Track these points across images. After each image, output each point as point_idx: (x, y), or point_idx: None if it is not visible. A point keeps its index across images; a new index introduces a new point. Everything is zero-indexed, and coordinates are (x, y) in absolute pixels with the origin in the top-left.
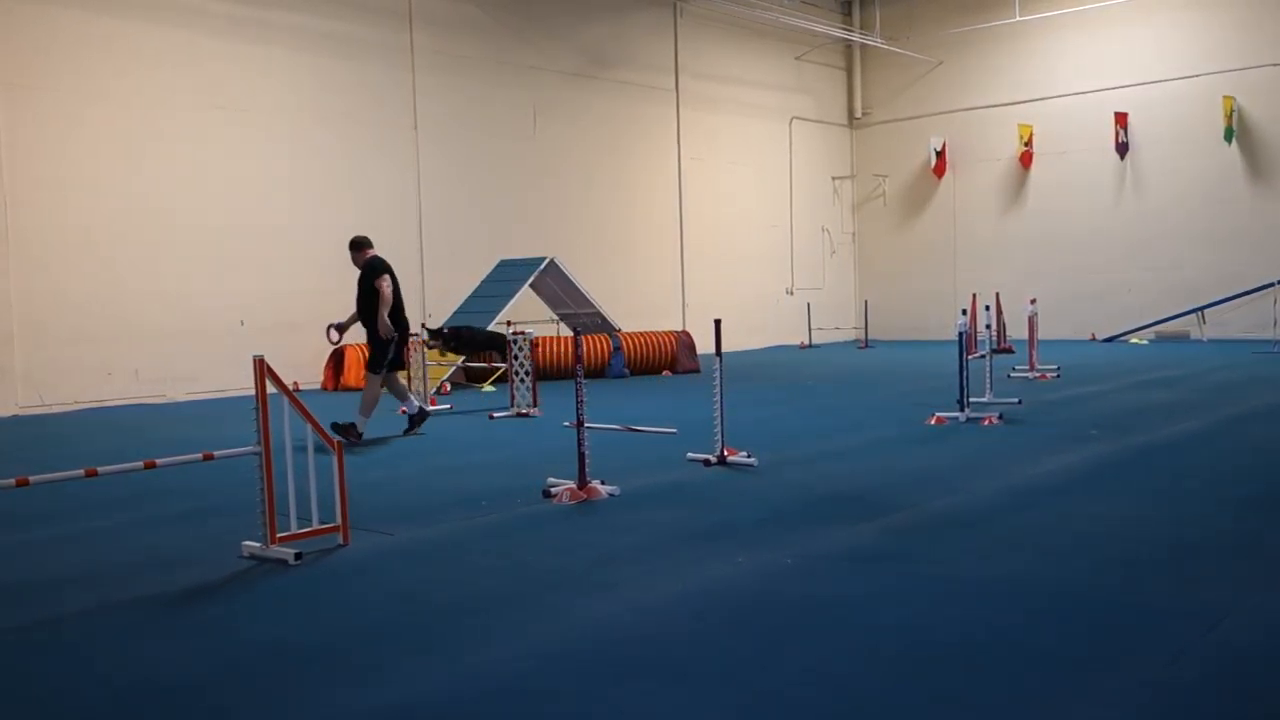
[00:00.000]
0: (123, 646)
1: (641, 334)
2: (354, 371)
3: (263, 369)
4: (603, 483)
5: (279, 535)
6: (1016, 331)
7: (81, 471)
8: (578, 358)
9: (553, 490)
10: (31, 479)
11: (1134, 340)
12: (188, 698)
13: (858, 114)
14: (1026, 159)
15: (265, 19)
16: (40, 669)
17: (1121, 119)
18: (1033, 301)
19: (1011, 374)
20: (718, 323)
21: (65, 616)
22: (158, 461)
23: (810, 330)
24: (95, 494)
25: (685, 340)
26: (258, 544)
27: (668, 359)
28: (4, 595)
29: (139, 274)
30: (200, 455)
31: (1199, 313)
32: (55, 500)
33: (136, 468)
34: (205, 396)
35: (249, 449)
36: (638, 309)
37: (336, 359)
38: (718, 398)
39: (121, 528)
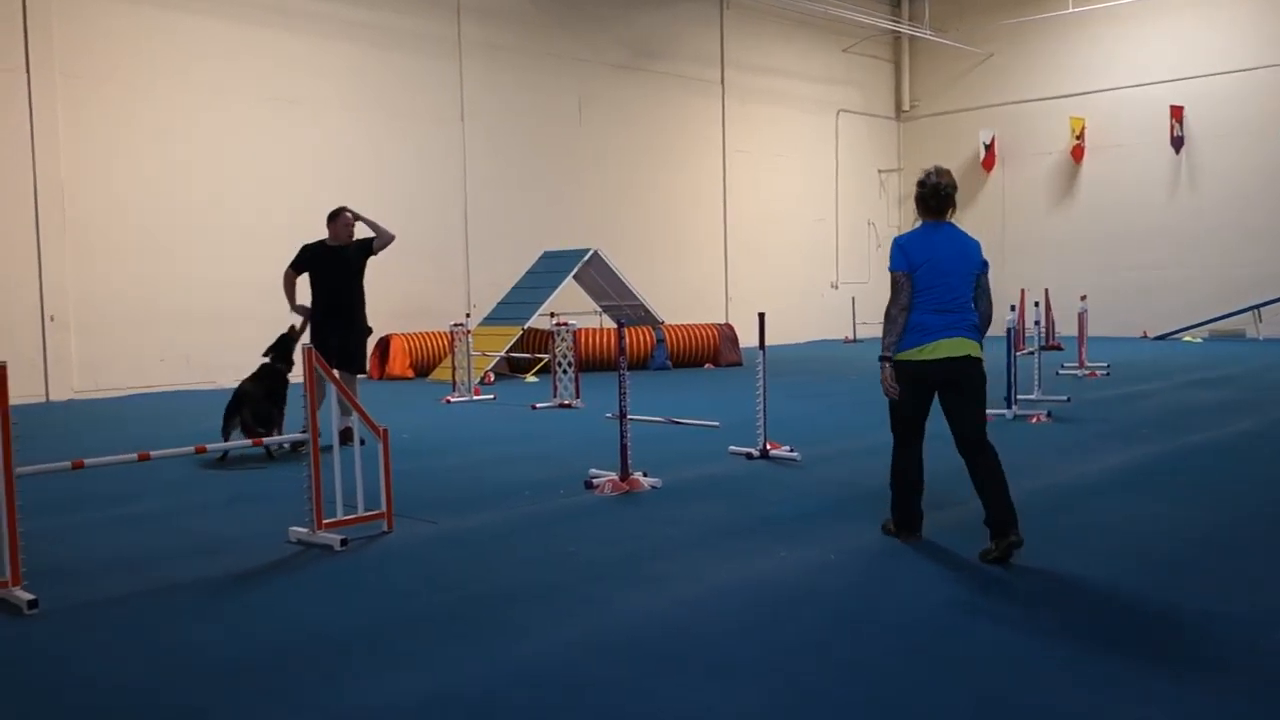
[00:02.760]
0: (171, 628)
1: (684, 326)
2: (399, 361)
3: (312, 359)
4: (645, 475)
5: (325, 521)
6: (1066, 328)
7: (134, 455)
8: (621, 349)
9: (595, 481)
10: (86, 462)
11: (1187, 338)
12: (233, 679)
13: (905, 107)
14: (1078, 153)
15: (316, 11)
16: (90, 648)
17: (1177, 112)
18: (1083, 298)
19: (1060, 371)
20: (761, 316)
21: (116, 597)
22: (208, 446)
23: (855, 325)
24: (147, 477)
25: (728, 333)
26: (305, 529)
27: (710, 352)
28: (58, 575)
29: (191, 262)
30: (250, 441)
31: (1255, 310)
32: (109, 483)
33: (187, 452)
34: None
35: (297, 436)
36: (681, 301)
37: (383, 348)
38: (760, 391)
39: (172, 511)
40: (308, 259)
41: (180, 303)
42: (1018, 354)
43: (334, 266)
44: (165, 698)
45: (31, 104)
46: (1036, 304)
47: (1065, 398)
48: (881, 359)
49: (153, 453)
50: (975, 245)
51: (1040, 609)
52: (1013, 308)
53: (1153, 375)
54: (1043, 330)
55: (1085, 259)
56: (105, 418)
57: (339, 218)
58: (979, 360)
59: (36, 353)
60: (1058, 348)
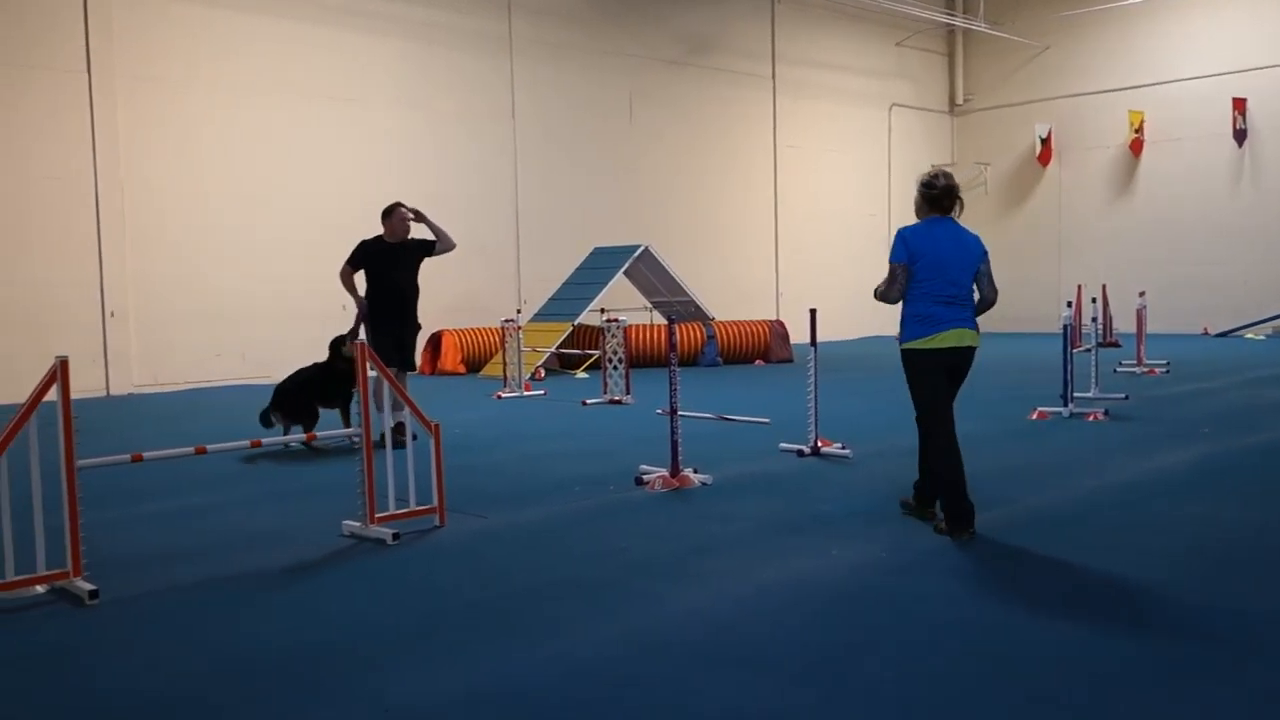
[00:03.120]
0: (226, 619)
1: (735, 323)
2: (450, 356)
3: (364, 354)
4: (695, 471)
5: (378, 515)
6: (1124, 325)
7: (192, 449)
8: (671, 345)
9: (645, 478)
10: (145, 455)
11: (1249, 335)
12: (286, 670)
13: (959, 101)
14: (1137, 146)
15: (370, 9)
16: (148, 639)
17: (1240, 105)
18: (1142, 294)
19: (1118, 369)
20: (813, 312)
21: (174, 589)
22: (263, 441)
23: None
24: (205, 471)
25: (779, 329)
26: (357, 523)
27: (761, 348)
28: (118, 566)
29: (247, 259)
30: (304, 436)
31: None
32: (168, 476)
33: (243, 446)
34: None
35: (350, 430)
36: (731, 297)
37: (434, 344)
38: (812, 388)
39: (228, 504)
40: (365, 256)
41: (237, 299)
42: (1074, 351)
43: (391, 263)
44: (217, 688)
45: (93, 104)
46: (1094, 300)
47: (1123, 395)
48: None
49: (209, 447)
50: (975, 239)
51: (1095, 608)
52: (1069, 304)
53: (1213, 373)
54: (1100, 327)
55: (1144, 254)
56: (163, 412)
57: (394, 213)
58: (975, 349)
59: (97, 348)
60: (1115, 345)
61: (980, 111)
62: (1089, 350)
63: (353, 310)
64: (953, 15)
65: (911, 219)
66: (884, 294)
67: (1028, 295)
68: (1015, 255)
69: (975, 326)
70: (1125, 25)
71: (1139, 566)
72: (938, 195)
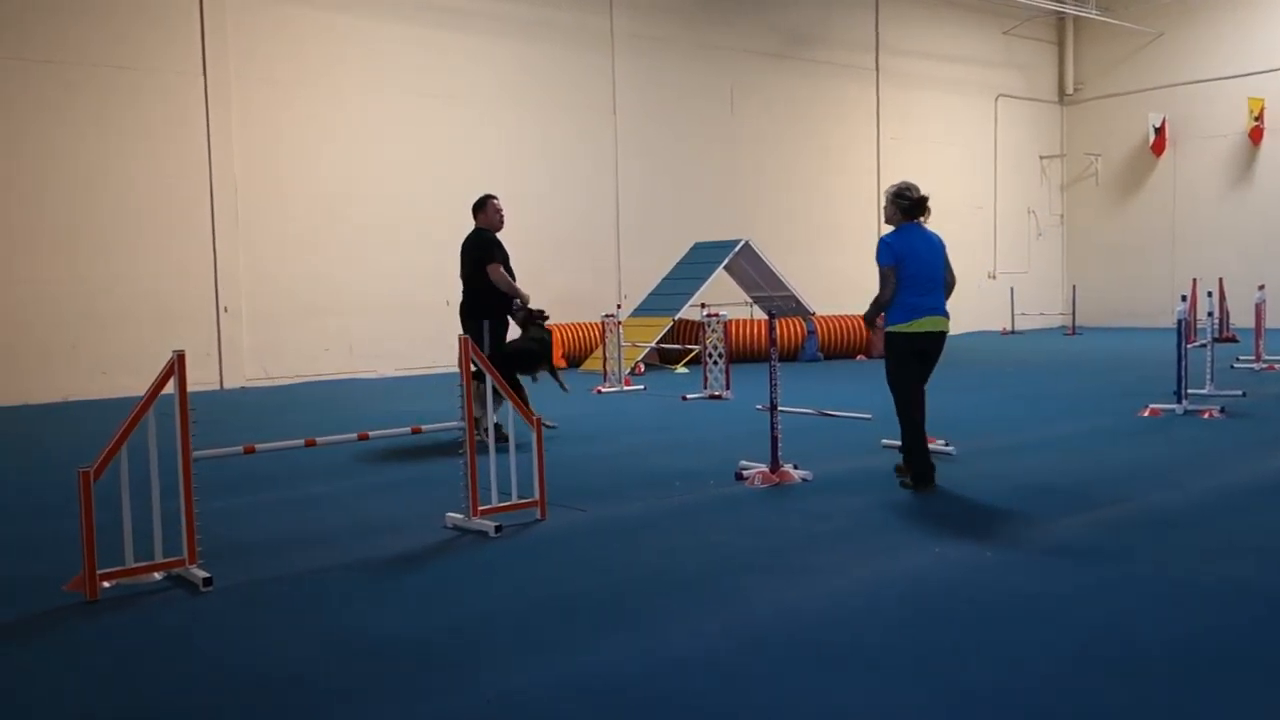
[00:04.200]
0: (333, 607)
1: (836, 317)
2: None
3: (467, 348)
4: (795, 467)
5: (480, 508)
6: (1241, 320)
7: (301, 441)
8: (772, 341)
9: (745, 473)
10: (257, 447)
11: None
12: (393, 657)
13: (1069, 90)
14: (1257, 135)
15: (473, 8)
16: (260, 625)
17: None
18: (1261, 287)
19: (1235, 364)
20: None
21: (284, 577)
22: (370, 434)
23: (1013, 315)
24: (313, 462)
25: (880, 325)
26: (461, 515)
27: (862, 343)
28: (232, 553)
29: (354, 255)
30: (409, 429)
31: None
32: (278, 467)
33: (351, 439)
34: (414, 373)
35: (454, 424)
36: (833, 292)
37: None
38: None
39: (336, 495)
40: (499, 246)
41: (345, 294)
42: (1189, 346)
43: (506, 254)
44: (326, 675)
45: (208, 105)
46: (1210, 294)
47: (1240, 392)
48: (866, 320)
49: (318, 439)
50: (938, 236)
51: (1212, 614)
52: (1184, 298)
53: None
54: (1216, 321)
55: (1264, 246)
56: (275, 404)
57: (488, 204)
58: (946, 334)
59: (212, 343)
60: (1233, 340)
61: (1091, 101)
62: (1204, 345)
63: (456, 306)
64: (1063, 2)
65: (1017, 212)
66: (882, 296)
67: (1141, 289)
68: (1127, 248)
69: (946, 314)
70: (1243, 10)
71: (1261, 570)
72: (911, 206)
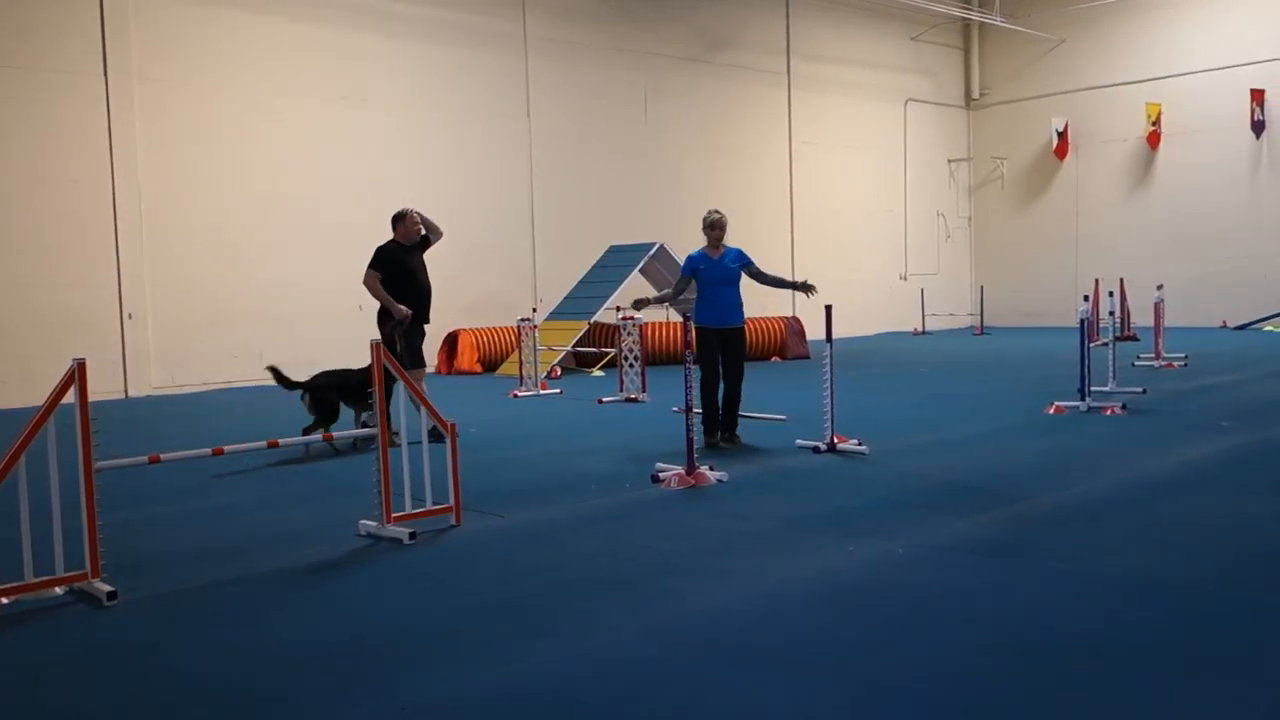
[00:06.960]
0: (245, 619)
1: (751, 319)
2: (466, 356)
3: (379, 354)
4: (711, 468)
5: (394, 515)
6: (1142, 318)
7: (209, 450)
8: (686, 343)
9: (661, 475)
10: (163, 456)
11: (1268, 328)
12: (304, 670)
13: (975, 95)
14: (1154, 139)
15: (384, 9)
16: (168, 639)
17: (1258, 96)
18: (1159, 287)
19: (1136, 362)
20: (828, 308)
21: (192, 589)
22: (280, 441)
23: (924, 316)
24: (221, 472)
25: (795, 326)
26: (374, 523)
27: (777, 345)
28: (136, 568)
29: (263, 260)
30: (320, 435)
31: None
32: (185, 477)
33: (260, 447)
34: None
35: (366, 431)
36: (747, 295)
37: (451, 343)
38: (828, 384)
39: (245, 505)
40: (387, 261)
41: (254, 300)
42: (1091, 345)
43: (412, 266)
44: (240, 687)
45: (109, 107)
46: (1111, 293)
47: (1141, 389)
48: (655, 300)
49: (226, 448)
50: (734, 255)
51: (1117, 606)
52: (1086, 298)
53: (1233, 366)
54: (1117, 320)
55: (1162, 248)
56: (181, 413)
57: (406, 217)
58: (741, 329)
59: (116, 350)
60: (1134, 338)
61: (997, 105)
62: (1106, 344)
63: (369, 311)
64: (969, 9)
65: (927, 215)
66: (671, 294)
67: (1046, 289)
68: (1033, 249)
69: (736, 316)
70: (1142, 17)
71: (1165, 562)
72: (706, 229)
